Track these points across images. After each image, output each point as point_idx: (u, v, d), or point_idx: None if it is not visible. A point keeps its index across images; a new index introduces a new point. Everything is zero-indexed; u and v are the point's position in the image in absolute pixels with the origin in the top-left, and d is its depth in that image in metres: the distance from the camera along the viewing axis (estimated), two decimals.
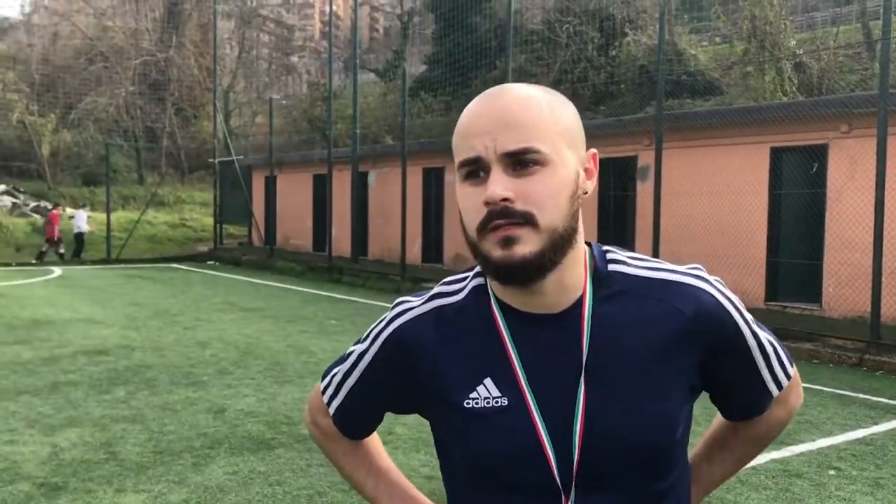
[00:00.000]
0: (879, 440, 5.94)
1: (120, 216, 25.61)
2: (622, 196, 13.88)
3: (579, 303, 1.13)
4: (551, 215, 1.07)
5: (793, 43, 18.38)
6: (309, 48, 54.02)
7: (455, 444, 1.17)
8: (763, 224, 11.64)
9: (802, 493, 4.73)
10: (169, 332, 10.05)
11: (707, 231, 12.05)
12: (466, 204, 1.11)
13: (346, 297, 14.60)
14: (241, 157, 24.96)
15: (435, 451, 1.28)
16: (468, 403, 1.14)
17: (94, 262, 21.44)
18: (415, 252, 17.84)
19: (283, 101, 33.27)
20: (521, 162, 1.07)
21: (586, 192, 1.14)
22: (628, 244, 12.70)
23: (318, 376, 5.37)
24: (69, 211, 23.14)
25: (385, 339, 1.23)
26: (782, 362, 1.23)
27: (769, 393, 1.23)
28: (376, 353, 1.24)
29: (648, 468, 1.12)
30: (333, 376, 1.32)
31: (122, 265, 21.23)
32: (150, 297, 14.01)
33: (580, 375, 1.11)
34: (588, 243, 1.19)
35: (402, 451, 5.36)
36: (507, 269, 1.07)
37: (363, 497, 1.39)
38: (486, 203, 1.06)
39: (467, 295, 1.20)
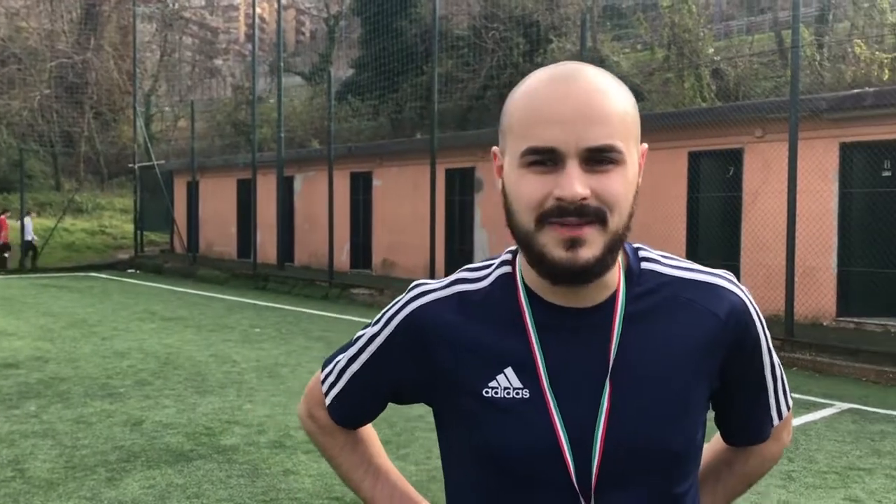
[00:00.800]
0: (792, 435, 6.12)
1: (36, 224, 24.70)
2: None
3: (612, 300, 1.09)
4: (619, 216, 1.03)
5: (711, 50, 18.92)
6: (233, 51, 53.16)
7: (468, 434, 1.12)
8: (682, 227, 11.94)
9: None
10: (85, 343, 9.72)
11: (629, 234, 12.28)
12: (527, 191, 1.03)
13: (271, 305, 14.38)
14: (163, 161, 24.40)
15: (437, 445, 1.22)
16: (487, 392, 1.09)
17: (7, 273, 20.62)
18: (342, 258, 17.71)
19: (210, 104, 32.64)
20: (599, 159, 1.01)
21: (639, 188, 1.10)
22: None
23: (241, 386, 5.29)
24: (26, 219, 21.94)
25: (401, 321, 1.17)
26: (786, 392, 1.22)
27: (771, 419, 1.22)
28: (390, 336, 1.18)
29: (670, 473, 1.09)
30: (336, 363, 1.26)
31: (38, 274, 20.47)
32: (66, 307, 13.54)
33: (606, 375, 1.07)
34: None
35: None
36: (568, 273, 1.03)
37: (359, 496, 1.32)
38: (561, 199, 1.00)
39: (493, 282, 1.15)
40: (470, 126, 20.58)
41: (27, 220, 21.59)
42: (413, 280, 1.30)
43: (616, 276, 1.10)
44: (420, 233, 15.15)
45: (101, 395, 6.97)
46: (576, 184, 0.99)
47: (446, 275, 1.22)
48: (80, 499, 4.53)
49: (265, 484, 4.81)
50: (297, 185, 19.65)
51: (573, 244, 1.01)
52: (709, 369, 1.11)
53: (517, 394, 1.08)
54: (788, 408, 1.24)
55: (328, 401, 1.26)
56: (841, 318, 10.28)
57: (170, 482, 4.82)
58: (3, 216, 21.45)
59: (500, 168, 1.11)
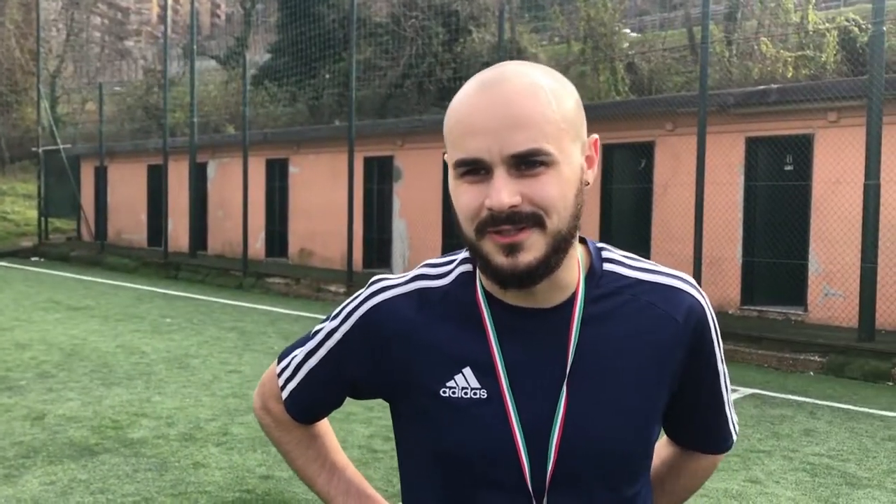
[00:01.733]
0: None
1: None
2: None
3: (571, 301, 1.09)
4: (559, 217, 1.02)
5: (625, 45, 19.32)
6: (145, 33, 51.52)
7: (425, 434, 1.11)
8: (595, 218, 12.17)
9: None
10: None
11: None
12: (464, 202, 1.04)
13: (183, 294, 14.02)
14: (69, 145, 23.46)
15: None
16: (444, 392, 1.09)
17: None
18: (257, 247, 17.40)
19: (117, 88, 31.51)
20: (526, 163, 1.01)
21: (588, 183, 1.09)
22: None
23: (149, 377, 5.14)
24: None
25: (361, 316, 1.15)
26: (732, 417, 1.23)
27: (730, 434, 1.23)
28: (349, 331, 1.16)
29: (620, 475, 1.10)
30: (293, 358, 1.24)
31: None
32: None
33: (564, 377, 1.07)
34: (583, 240, 1.14)
35: (237, 451, 5.20)
36: (510, 277, 1.03)
37: (314, 491, 1.30)
38: (490, 209, 1.00)
39: (453, 280, 1.14)
40: (389, 114, 20.46)
41: None
42: (330, 269, 1.28)
43: (575, 277, 1.10)
44: (337, 221, 15.01)
45: None
46: (503, 193, 0.99)
47: (364, 265, 1.21)
48: None
49: (174, 477, 4.70)
50: (211, 171, 19.19)
51: (512, 250, 1.01)
52: (667, 373, 1.11)
53: (475, 394, 1.08)
54: (736, 429, 1.26)
55: (285, 395, 1.25)
56: (745, 307, 10.67)
57: (73, 478, 4.66)
58: None
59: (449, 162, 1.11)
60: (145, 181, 21.09)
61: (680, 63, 20.40)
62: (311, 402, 1.25)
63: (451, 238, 13.48)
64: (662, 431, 1.24)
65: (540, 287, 1.06)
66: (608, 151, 12.16)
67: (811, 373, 8.42)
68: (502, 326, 1.09)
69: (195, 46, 19.00)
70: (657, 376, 1.11)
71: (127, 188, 21.71)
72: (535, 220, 1.01)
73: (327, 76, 21.90)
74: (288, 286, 14.51)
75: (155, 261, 17.87)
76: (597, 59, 18.66)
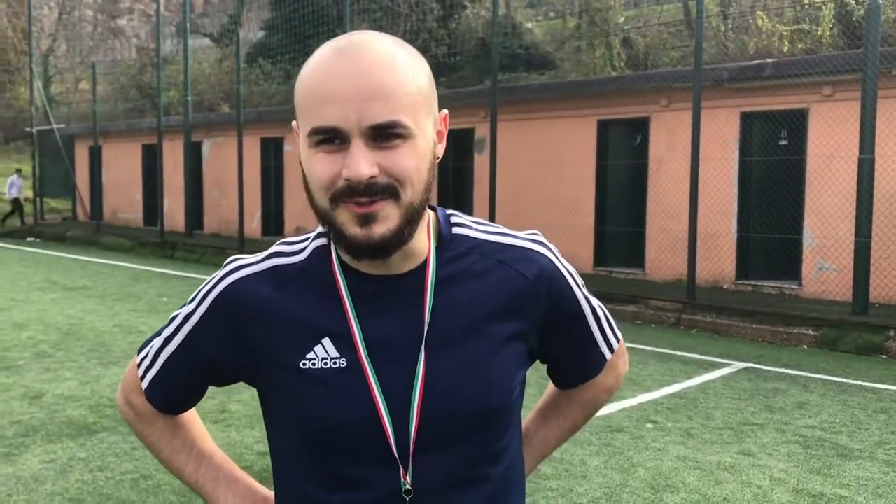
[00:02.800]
0: (692, 393, 6.40)
1: None
2: (460, 167, 14.10)
3: (423, 266, 1.10)
4: (413, 189, 1.03)
5: (621, 19, 19.20)
6: (138, 10, 51.02)
7: (289, 409, 1.11)
8: (591, 194, 12.18)
9: (622, 446, 5.02)
10: None
11: (540, 200, 12.47)
12: (318, 171, 1.02)
13: (179, 273, 14.04)
14: (63, 125, 23.35)
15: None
16: (305, 364, 1.08)
17: None
18: (253, 225, 17.40)
19: (114, 66, 31.30)
20: (384, 135, 1.00)
21: (438, 157, 1.09)
22: (466, 214, 12.94)
23: None
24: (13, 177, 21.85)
25: (216, 297, 1.14)
26: (612, 327, 1.28)
27: (603, 356, 1.27)
28: (205, 313, 1.15)
29: (485, 430, 1.11)
30: (151, 346, 1.22)
31: None
32: None
33: (421, 341, 1.08)
34: (433, 207, 1.15)
35: (235, 428, 5.24)
36: (365, 248, 1.03)
37: (183, 482, 1.29)
38: (348, 179, 0.99)
39: (308, 256, 1.14)
40: None
41: (14, 178, 21.66)
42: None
43: (426, 244, 1.11)
44: None
45: None
46: (361, 164, 0.99)
47: None
48: None
49: None
50: (206, 150, 19.13)
51: (367, 220, 1.01)
52: (521, 327, 1.14)
53: (334, 363, 1.08)
54: (618, 340, 1.29)
55: (144, 385, 1.22)
56: (740, 282, 10.72)
57: (72, 456, 4.69)
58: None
59: (297, 132, 1.09)
60: (140, 161, 21.04)
61: (676, 38, 20.29)
62: (171, 390, 1.22)
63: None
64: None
65: (393, 256, 1.07)
66: (603, 127, 12.14)
67: (805, 346, 8.48)
68: (358, 295, 1.10)
69: (188, 24, 18.87)
70: (511, 331, 1.13)
71: (122, 168, 21.66)
72: (390, 191, 1.01)
73: None
74: None
75: (151, 240, 17.86)
76: (592, 34, 18.56)
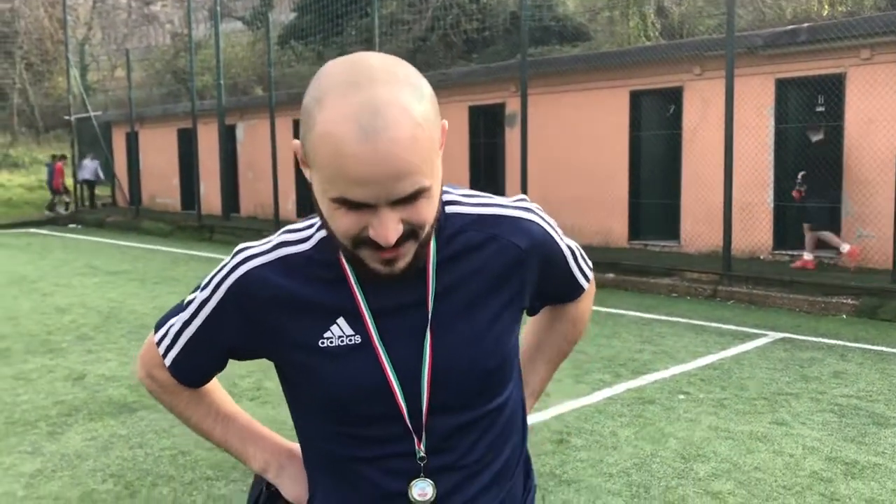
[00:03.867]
0: (726, 364, 6.35)
1: None
2: (491, 143, 14.06)
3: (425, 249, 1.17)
4: (429, 226, 1.10)
5: None
6: None
7: (311, 384, 1.20)
8: (625, 166, 12.06)
9: (654, 417, 5.01)
10: (25, 300, 9.55)
11: (572, 174, 12.39)
12: (343, 227, 1.07)
13: (218, 256, 14.24)
14: (100, 113, 23.72)
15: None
16: (323, 343, 1.17)
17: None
18: (288, 207, 17.55)
19: (148, 52, 31.63)
20: (410, 200, 1.06)
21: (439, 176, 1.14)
22: (499, 190, 12.92)
23: None
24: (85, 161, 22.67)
25: (229, 287, 1.22)
26: (586, 261, 1.40)
27: (580, 286, 1.40)
28: (220, 302, 1.22)
29: (488, 389, 1.22)
30: (170, 327, 1.30)
31: None
32: (4, 264, 13.24)
33: (426, 317, 1.17)
34: None
35: (271, 404, 5.34)
36: (386, 278, 1.12)
37: (213, 443, 1.40)
38: (375, 240, 1.06)
39: (315, 245, 1.21)
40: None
41: (87, 161, 22.36)
42: None
43: None
44: None
45: (41, 352, 6.90)
46: (390, 232, 1.05)
47: None
48: (22, 453, 4.51)
49: None
50: (240, 133, 19.31)
51: (389, 262, 1.09)
52: (516, 292, 1.24)
53: (350, 340, 1.17)
54: (590, 268, 1.42)
55: (168, 362, 1.31)
56: (777, 252, 10.57)
57: (113, 433, 4.83)
58: (59, 163, 22.28)
59: (304, 161, 1.11)
60: (176, 145, 21.29)
61: (711, 5, 19.94)
62: (194, 367, 1.32)
63: (475, 184, 13.46)
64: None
65: None
66: (636, 98, 12.00)
67: (843, 316, 8.36)
68: (365, 279, 1.16)
69: (220, 8, 18.99)
70: (508, 298, 1.23)
71: (158, 153, 21.95)
72: (412, 236, 1.09)
73: (353, 32, 21.76)
74: None
75: (189, 224, 18.13)
76: (625, 3, 18.30)
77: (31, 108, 32.92)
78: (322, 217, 1.12)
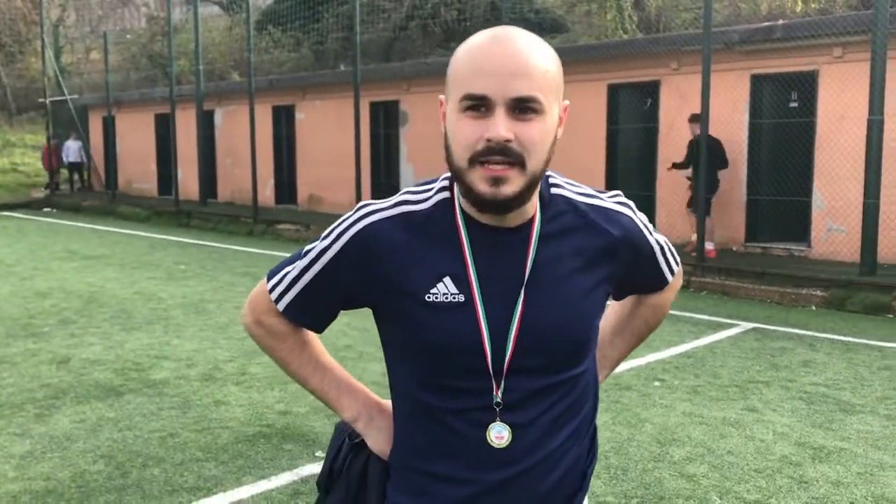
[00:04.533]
0: (699, 353, 6.54)
1: None
2: None
3: (530, 222, 1.32)
4: (537, 160, 1.24)
5: None
6: None
7: (412, 332, 1.32)
8: (601, 158, 12.23)
9: (630, 403, 5.18)
10: (3, 284, 9.54)
11: (549, 165, 12.50)
12: (462, 134, 1.23)
13: (195, 242, 14.24)
14: (76, 96, 23.48)
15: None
16: (429, 297, 1.30)
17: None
18: (267, 194, 17.54)
19: (127, 35, 31.29)
20: (522, 108, 1.21)
21: (558, 138, 1.30)
22: None
23: (168, 322, 5.41)
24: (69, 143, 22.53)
25: (353, 236, 1.34)
26: (673, 254, 1.54)
27: (665, 280, 1.54)
28: (342, 248, 1.35)
29: (568, 359, 1.36)
30: (285, 274, 1.41)
31: None
32: None
33: (522, 284, 1.31)
34: None
35: (256, 388, 5.43)
36: (491, 204, 1.25)
37: (309, 390, 1.51)
38: (489, 140, 1.20)
39: (434, 205, 1.34)
40: (394, 58, 20.34)
41: (71, 142, 22.14)
42: (340, 214, 1.47)
43: (535, 204, 1.33)
44: (345, 167, 15.10)
45: (23, 336, 6.92)
46: (501, 127, 1.20)
47: None
48: (10, 435, 4.57)
49: (196, 414, 4.93)
50: (218, 119, 19.24)
51: (496, 182, 1.22)
52: (605, 275, 1.39)
53: (453, 298, 1.30)
54: (677, 263, 1.56)
55: (282, 306, 1.42)
56: (749, 244, 10.80)
57: (101, 416, 4.90)
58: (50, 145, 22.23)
59: (444, 115, 1.29)
60: (153, 130, 21.16)
61: None
62: (307, 311, 1.43)
63: None
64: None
65: (511, 213, 1.30)
66: (614, 91, 12.15)
67: (813, 307, 8.59)
68: (476, 243, 1.31)
69: None
70: (597, 278, 1.38)
71: (135, 138, 21.79)
72: (519, 160, 1.23)
73: (331, 20, 21.71)
74: (298, 232, 14.70)
75: (166, 209, 18.06)
76: None
77: (4, 89, 32.46)
78: (447, 146, 1.26)
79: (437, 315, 1.30)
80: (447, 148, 1.27)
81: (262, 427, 4.73)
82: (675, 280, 1.58)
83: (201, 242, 14.11)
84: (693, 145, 10.01)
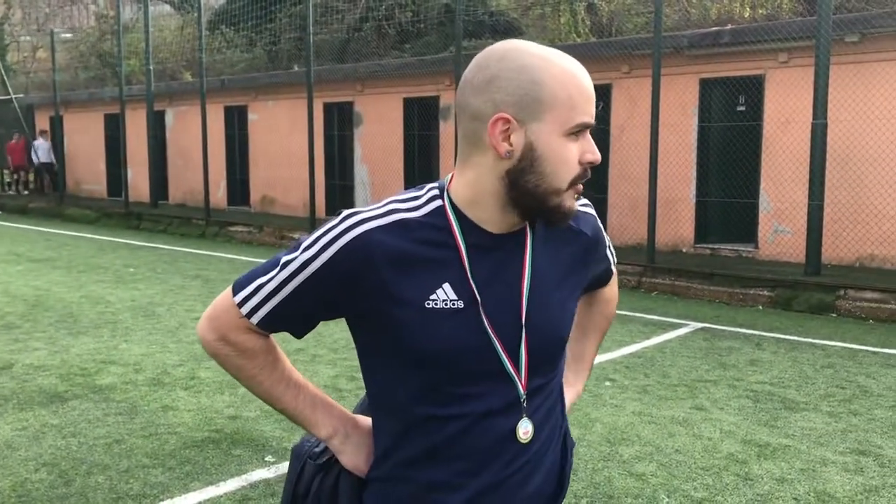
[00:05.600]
0: (649, 353, 6.63)
1: None
2: (426, 135, 14.16)
3: (523, 228, 1.36)
4: None
5: None
6: None
7: (409, 340, 1.30)
8: None
9: (581, 404, 5.22)
10: None
11: None
12: (572, 158, 1.29)
13: (145, 244, 14.01)
14: (21, 95, 22.94)
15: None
16: (429, 304, 1.29)
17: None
18: (219, 195, 17.34)
19: (69, 35, 30.63)
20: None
21: None
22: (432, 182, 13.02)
23: (115, 326, 5.29)
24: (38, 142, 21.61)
25: (344, 246, 1.28)
26: (612, 247, 1.63)
27: (611, 269, 1.65)
28: (332, 259, 1.28)
29: (560, 354, 1.45)
30: (259, 287, 1.34)
31: None
32: None
33: (523, 288, 1.34)
34: None
35: (205, 393, 5.36)
36: (569, 218, 1.34)
37: (281, 409, 1.44)
38: (591, 163, 1.30)
39: (429, 213, 1.33)
40: (348, 59, 20.25)
41: (39, 141, 21.22)
42: (292, 216, 1.45)
43: None
44: (299, 168, 15.00)
45: None
46: (597, 152, 1.31)
47: (326, 212, 1.41)
48: None
49: (144, 420, 4.85)
50: (169, 119, 18.96)
51: (576, 199, 1.34)
52: (585, 272, 1.49)
53: (453, 304, 1.30)
54: (613, 253, 1.65)
55: (256, 320, 1.35)
56: (699, 245, 10.98)
57: (44, 423, 4.79)
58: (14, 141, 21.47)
59: (508, 134, 1.27)
60: (103, 131, 20.78)
61: (640, 4, 20.40)
62: (287, 321, 1.37)
63: (413, 183, 13.54)
64: None
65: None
66: None
67: (760, 307, 8.77)
68: (472, 248, 1.33)
69: None
70: (578, 280, 1.48)
71: (84, 138, 21.37)
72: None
73: (285, 20, 21.54)
74: (251, 234, 14.55)
75: (116, 211, 17.74)
76: (556, 0, 18.58)
77: None
78: (541, 169, 1.28)
79: (438, 322, 1.29)
80: (538, 171, 1.28)
81: (211, 432, 4.67)
82: (615, 268, 1.69)
83: (152, 245, 13.89)
84: None
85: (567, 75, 1.28)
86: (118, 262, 11.68)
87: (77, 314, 7.86)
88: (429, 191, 1.37)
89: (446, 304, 1.30)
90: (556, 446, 1.46)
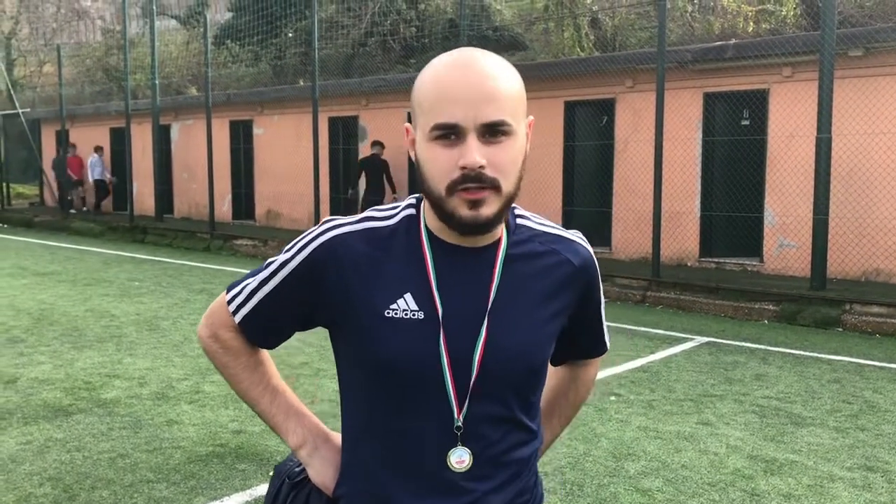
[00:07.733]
0: (655, 367, 6.61)
1: None
2: None
3: (495, 244, 1.32)
4: (511, 181, 1.25)
5: (589, 0, 19.30)
6: None
7: (369, 347, 1.29)
8: (559, 174, 12.34)
9: (586, 418, 5.20)
10: None
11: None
12: (437, 163, 1.23)
13: (150, 258, 14.03)
14: (28, 109, 23.05)
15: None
16: (388, 313, 1.28)
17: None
18: (224, 209, 17.38)
19: (79, 48, 30.81)
20: (492, 132, 1.22)
21: (527, 155, 1.31)
22: None
23: (120, 340, 5.30)
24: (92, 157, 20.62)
25: (315, 248, 1.32)
26: (607, 330, 1.55)
27: (604, 345, 1.55)
28: (304, 261, 1.32)
29: (526, 386, 1.34)
30: (245, 286, 1.39)
31: None
32: None
33: (487, 305, 1.29)
34: None
35: (210, 407, 5.35)
36: (472, 227, 1.24)
37: (257, 411, 1.47)
38: (464, 167, 1.20)
39: (399, 221, 1.34)
40: (353, 73, 20.33)
41: (94, 157, 20.37)
42: (297, 230, 1.47)
43: (501, 226, 1.34)
44: (304, 182, 15.03)
45: None
46: (475, 154, 1.20)
47: None
48: None
49: (148, 434, 4.84)
50: (175, 133, 19.03)
51: (475, 205, 1.23)
52: (564, 304, 1.38)
53: (413, 315, 1.28)
54: (608, 340, 1.57)
55: (238, 319, 1.40)
56: (703, 259, 10.97)
57: (49, 437, 4.78)
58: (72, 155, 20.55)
59: (413, 141, 1.30)
60: (108, 144, 20.84)
61: (644, 18, 20.47)
62: (264, 326, 1.40)
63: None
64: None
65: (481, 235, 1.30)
66: (570, 108, 12.29)
67: (765, 321, 8.74)
68: (440, 261, 1.31)
69: (154, 6, 18.70)
70: (557, 306, 1.37)
71: (90, 152, 21.43)
72: (494, 184, 1.23)
73: (290, 35, 21.65)
74: (256, 248, 14.57)
75: (121, 225, 17.78)
76: (560, 15, 18.66)
77: None
78: (421, 174, 1.26)
79: (396, 330, 1.28)
80: (421, 175, 1.27)
81: (216, 447, 4.65)
82: (599, 360, 1.59)
83: (157, 258, 13.90)
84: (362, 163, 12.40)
85: (436, 78, 1.24)
86: (123, 275, 11.70)
87: (82, 328, 7.87)
88: (408, 201, 1.38)
89: (406, 315, 1.28)
90: (511, 490, 1.35)
